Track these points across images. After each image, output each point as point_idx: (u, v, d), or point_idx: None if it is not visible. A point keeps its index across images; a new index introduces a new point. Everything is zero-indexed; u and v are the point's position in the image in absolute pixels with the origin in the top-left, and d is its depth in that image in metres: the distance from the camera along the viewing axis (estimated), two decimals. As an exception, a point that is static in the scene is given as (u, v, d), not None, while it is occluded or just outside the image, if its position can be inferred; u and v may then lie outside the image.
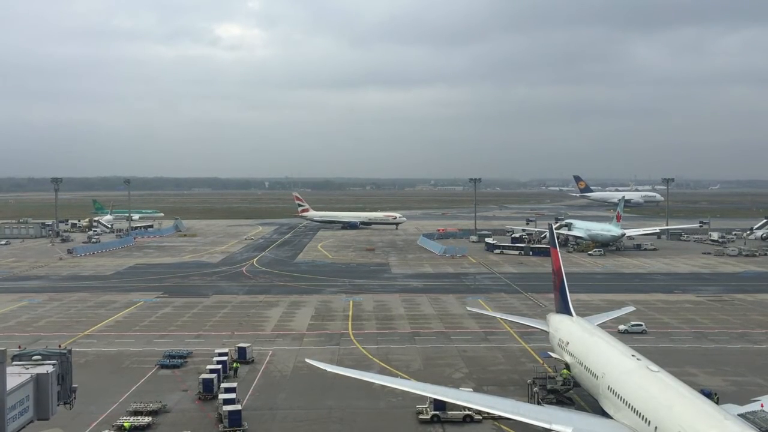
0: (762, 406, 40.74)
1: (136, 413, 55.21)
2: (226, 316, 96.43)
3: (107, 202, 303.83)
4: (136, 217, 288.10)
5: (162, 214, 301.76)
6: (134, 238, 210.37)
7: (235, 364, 68.99)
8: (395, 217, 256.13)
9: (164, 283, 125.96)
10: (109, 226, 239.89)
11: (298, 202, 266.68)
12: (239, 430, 52.24)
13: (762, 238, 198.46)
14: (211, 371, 63.26)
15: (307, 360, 54.71)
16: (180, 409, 58.08)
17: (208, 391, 60.12)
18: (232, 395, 56.13)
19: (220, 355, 69.04)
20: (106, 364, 71.69)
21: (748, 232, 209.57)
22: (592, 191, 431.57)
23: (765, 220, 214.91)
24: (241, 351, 72.11)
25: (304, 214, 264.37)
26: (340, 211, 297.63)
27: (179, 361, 71.27)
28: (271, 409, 57.65)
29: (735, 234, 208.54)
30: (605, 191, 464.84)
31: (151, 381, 65.83)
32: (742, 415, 38.22)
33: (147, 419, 54.01)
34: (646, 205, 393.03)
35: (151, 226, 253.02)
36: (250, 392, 61.92)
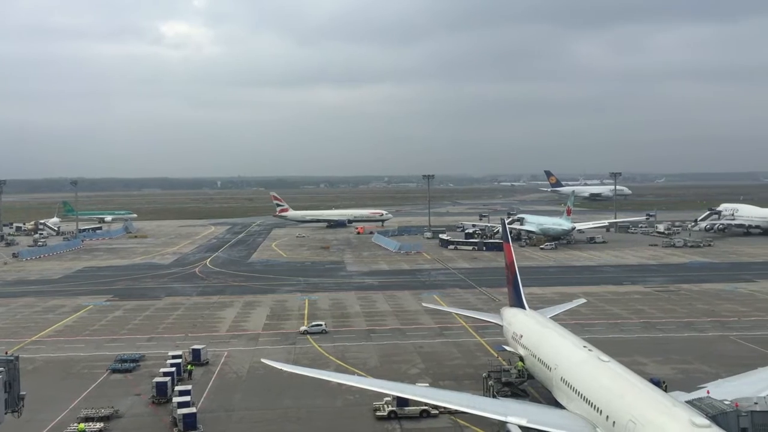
0: (708, 392, 41.91)
1: (87, 419, 53.99)
2: (179, 318, 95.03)
3: (57, 206, 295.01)
4: (108, 218, 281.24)
5: (135, 215, 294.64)
6: (82, 241, 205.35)
7: (189, 367, 68.06)
8: (381, 214, 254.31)
9: (114, 286, 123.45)
10: (56, 228, 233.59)
11: (276, 202, 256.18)
12: (194, 433, 51.56)
13: (706, 230, 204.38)
14: (165, 374, 62.22)
15: (263, 360, 54.30)
16: (133, 413, 57.05)
17: (161, 394, 59.13)
18: (187, 398, 55.33)
19: (174, 357, 68.09)
20: (56, 370, 69.97)
21: (693, 223, 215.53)
22: (562, 186, 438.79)
23: (708, 212, 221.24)
24: (196, 353, 71.18)
25: (284, 214, 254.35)
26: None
27: (131, 365, 70.00)
28: (227, 411, 57.08)
29: (679, 226, 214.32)
30: (576, 186, 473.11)
31: (102, 386, 64.47)
32: (689, 402, 39.27)
33: (99, 425, 52.91)
34: (616, 198, 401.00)
35: (100, 228, 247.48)
36: (205, 394, 61.17)
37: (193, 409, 53.30)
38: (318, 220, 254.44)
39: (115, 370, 68.69)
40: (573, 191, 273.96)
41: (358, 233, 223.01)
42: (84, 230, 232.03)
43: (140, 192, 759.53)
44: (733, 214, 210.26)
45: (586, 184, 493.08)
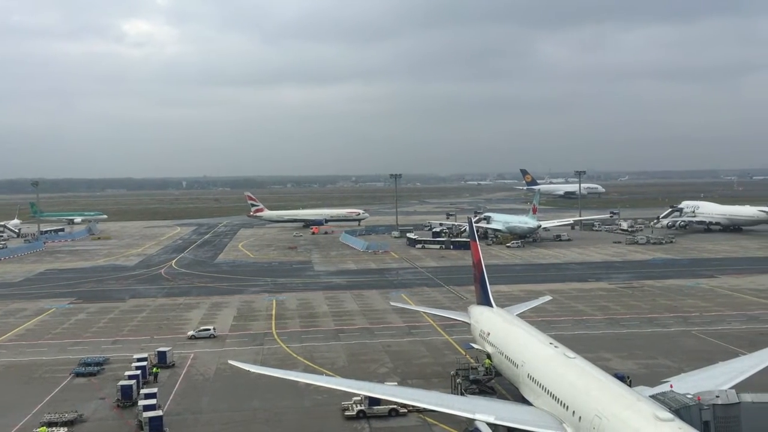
0: (671, 386, 42.66)
1: (50, 424, 52.94)
2: (144, 320, 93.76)
3: (18, 207, 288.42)
4: (78, 219, 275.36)
5: (105, 216, 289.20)
6: (44, 243, 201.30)
7: (155, 369, 67.16)
8: (358, 213, 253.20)
9: (77, 289, 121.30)
10: (17, 230, 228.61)
11: (251, 202, 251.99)
12: (161, 436, 50.93)
13: (668, 227, 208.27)
14: (130, 377, 61.29)
15: (230, 361, 53.77)
16: (97, 417, 56.11)
17: (126, 397, 58.28)
18: (153, 401, 54.59)
19: (139, 360, 67.07)
20: (17, 374, 68.50)
21: (655, 221, 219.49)
22: (537, 184, 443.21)
23: (670, 209, 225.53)
24: (161, 355, 70.27)
25: (259, 214, 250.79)
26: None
27: (95, 368, 68.85)
28: (194, 413, 56.48)
29: (642, 223, 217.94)
30: (550, 184, 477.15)
31: (66, 390, 63.31)
32: (653, 396, 39.95)
33: (62, 430, 51.96)
34: (590, 196, 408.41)
35: (62, 230, 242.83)
36: (171, 397, 60.44)
37: (159, 412, 52.59)
38: (295, 220, 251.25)
39: (78, 374, 67.47)
40: (538, 190, 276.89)
41: (313, 233, 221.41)
42: (46, 232, 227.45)
43: (104, 193, 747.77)
44: (694, 212, 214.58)
45: (551, 183, 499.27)
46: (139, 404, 54.88)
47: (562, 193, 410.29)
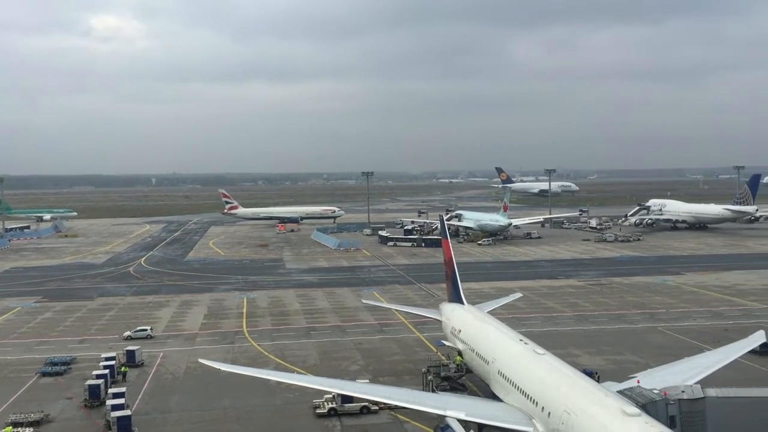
0: (638, 382, 43.30)
1: (15, 424, 52.02)
2: (113, 319, 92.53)
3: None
4: (47, 216, 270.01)
5: (75, 213, 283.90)
6: (9, 240, 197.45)
7: (123, 369, 66.37)
8: (333, 211, 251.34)
9: (44, 287, 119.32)
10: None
11: (225, 199, 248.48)
12: (129, 436, 50.36)
13: (635, 225, 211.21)
14: (98, 377, 60.51)
15: (201, 360, 53.35)
16: (64, 418, 55.29)
17: (94, 397, 57.46)
18: (121, 400, 53.98)
19: (107, 359, 66.25)
20: (-19, 375, 67.20)
21: (623, 219, 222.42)
22: (513, 182, 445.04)
23: (638, 207, 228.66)
24: (130, 354, 69.48)
25: (233, 211, 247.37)
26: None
27: (62, 367, 67.82)
28: (164, 413, 55.95)
29: (609, 221, 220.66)
30: (525, 182, 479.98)
31: (31, 390, 62.26)
32: (620, 392, 40.53)
33: (28, 430, 51.08)
34: (564, 194, 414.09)
35: (28, 227, 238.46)
36: (140, 396, 59.79)
37: (127, 412, 51.98)
38: (271, 218, 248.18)
39: (45, 374, 66.37)
40: (509, 188, 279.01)
41: (280, 230, 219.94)
42: (11, 229, 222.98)
43: (71, 190, 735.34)
44: (661, 210, 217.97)
45: (522, 181, 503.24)
46: (107, 404, 54.15)
47: (536, 191, 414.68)
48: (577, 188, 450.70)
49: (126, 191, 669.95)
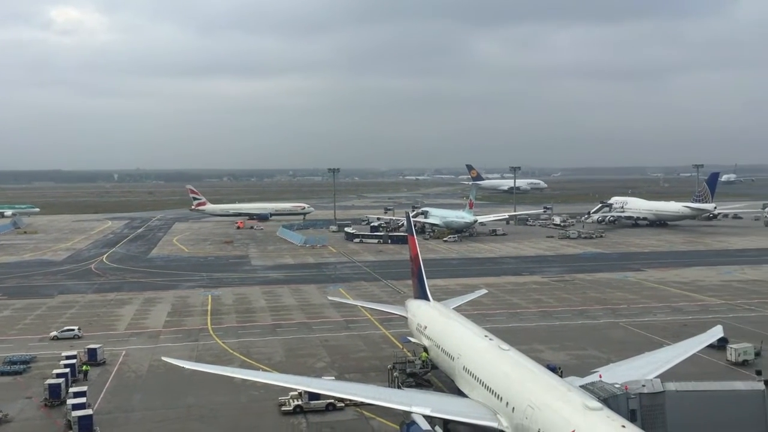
0: (600, 376, 44.02)
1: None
2: (73, 317, 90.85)
3: None
4: (9, 212, 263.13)
5: (38, 209, 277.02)
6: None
7: (84, 367, 65.29)
8: (303, 207, 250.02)
9: (2, 284, 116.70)
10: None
11: (193, 195, 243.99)
12: (91, 435, 49.58)
13: (598, 222, 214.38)
14: (58, 375, 59.50)
15: (164, 358, 52.78)
16: (24, 417, 54.21)
17: (55, 396, 56.50)
18: (83, 399, 53.14)
19: (68, 357, 65.23)
20: (-64, 375, 65.47)
21: (586, 216, 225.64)
22: (483, 179, 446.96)
23: (600, 205, 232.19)
24: (92, 352, 68.38)
25: (201, 208, 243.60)
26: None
27: (21, 366, 66.54)
28: (126, 412, 55.20)
29: (570, 218, 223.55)
30: (494, 180, 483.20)
31: (-11, 390, 60.89)
32: (583, 386, 41.14)
33: (-14, 432, 50.03)
34: (532, 192, 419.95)
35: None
36: (102, 395, 58.89)
37: (89, 411, 51.16)
38: (240, 214, 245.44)
39: (3, 373, 64.99)
40: (475, 185, 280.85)
41: (238, 227, 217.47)
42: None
43: (31, 185, 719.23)
44: (623, 207, 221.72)
45: (488, 178, 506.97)
46: (67, 403, 53.26)
47: (506, 188, 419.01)
48: (546, 186, 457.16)
49: (87, 187, 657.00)
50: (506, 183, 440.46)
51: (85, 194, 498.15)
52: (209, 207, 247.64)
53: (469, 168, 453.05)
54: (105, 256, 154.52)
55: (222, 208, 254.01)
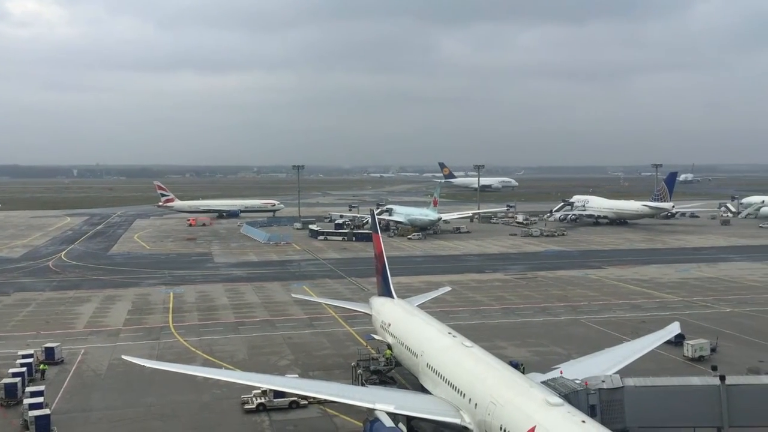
0: (561, 372, 44.62)
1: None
2: (30, 315, 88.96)
3: None
4: None
5: (1, 205, 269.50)
6: None
7: (42, 366, 63.92)
8: (273, 204, 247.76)
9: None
10: None
11: (160, 191, 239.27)
12: (48, 436, 48.60)
13: (560, 220, 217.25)
14: (14, 375, 58.09)
15: (124, 356, 51.94)
16: (-22, 419, 52.91)
17: (11, 396, 55.22)
18: (40, 399, 51.99)
19: (24, 356, 63.72)
20: None
21: (548, 214, 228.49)
22: (455, 177, 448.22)
23: (562, 203, 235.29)
24: (49, 351, 66.92)
25: (170, 204, 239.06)
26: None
27: (-24, 366, 64.82)
28: (84, 411, 54.19)
29: (534, 216, 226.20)
30: (467, 177, 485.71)
31: (-59, 391, 59.17)
32: (544, 382, 41.67)
33: (-63, 433, 48.68)
34: (503, 189, 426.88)
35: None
36: (60, 395, 57.72)
37: (46, 411, 50.13)
38: (210, 211, 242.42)
39: (-44, 373, 63.32)
40: (439, 183, 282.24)
41: (190, 225, 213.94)
42: None
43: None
44: (584, 205, 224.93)
45: (453, 176, 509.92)
46: (24, 403, 51.99)
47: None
48: (517, 184, 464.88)
49: (46, 182, 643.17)
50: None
51: (43, 190, 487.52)
52: (177, 203, 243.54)
53: (442, 166, 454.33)
54: (63, 253, 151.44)
55: (190, 205, 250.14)
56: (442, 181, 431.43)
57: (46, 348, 67.34)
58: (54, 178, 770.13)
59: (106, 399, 56.94)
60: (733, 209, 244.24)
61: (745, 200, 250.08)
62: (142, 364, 49.05)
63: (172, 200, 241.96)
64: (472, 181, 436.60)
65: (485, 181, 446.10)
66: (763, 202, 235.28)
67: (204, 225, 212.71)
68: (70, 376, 63.09)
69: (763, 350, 69.48)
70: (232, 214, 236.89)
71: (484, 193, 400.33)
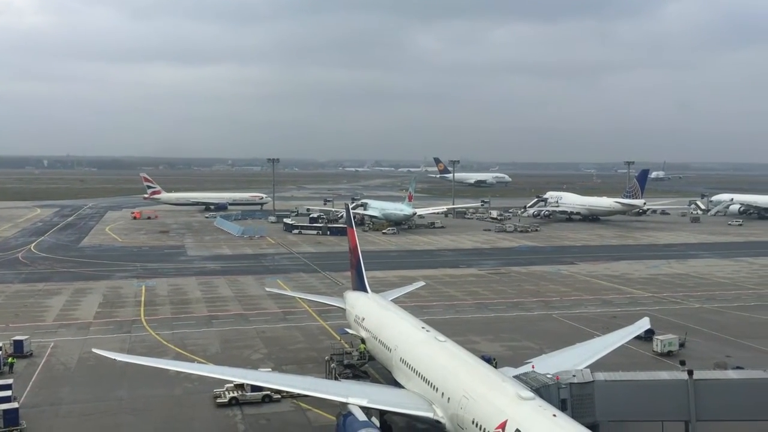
0: (533, 367, 45.09)
1: None
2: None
3: None
4: None
5: None
6: None
7: (10, 359, 62.92)
8: (261, 198, 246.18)
9: None
10: None
11: (147, 183, 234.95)
12: (16, 429, 47.86)
13: (534, 216, 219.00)
14: (-18, 369, 57.31)
15: (94, 350, 51.29)
16: (-57, 413, 51.89)
17: (-22, 390, 54.32)
18: (8, 393, 51.21)
19: (-7, 350, 62.78)
20: None
21: (522, 210, 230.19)
22: (450, 173, 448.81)
23: (536, 199, 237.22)
24: (18, 344, 65.92)
25: (156, 196, 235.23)
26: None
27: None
28: (54, 405, 53.53)
29: (511, 212, 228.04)
30: (461, 173, 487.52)
31: None
32: (516, 377, 42.07)
33: None
34: (498, 185, 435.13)
35: None
36: (29, 388, 56.91)
37: (14, 405, 49.47)
38: (197, 203, 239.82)
39: None
40: (414, 177, 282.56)
41: (135, 218, 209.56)
42: None
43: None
44: (557, 202, 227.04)
45: (427, 171, 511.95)
46: (-8, 397, 51.33)
47: (473, 181, 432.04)
48: (510, 179, 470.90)
49: (15, 173, 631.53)
50: (473, 176, 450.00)
51: (12, 180, 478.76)
52: (164, 196, 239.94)
53: (437, 161, 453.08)
54: (33, 244, 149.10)
55: (178, 197, 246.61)
56: (446, 176, 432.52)
57: (15, 341, 66.31)
58: (23, 168, 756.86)
59: (76, 393, 56.30)
60: (702, 207, 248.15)
61: (714, 198, 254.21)
62: (113, 357, 48.50)
63: (158, 192, 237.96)
64: (466, 177, 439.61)
65: (479, 176, 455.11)
66: (731, 199, 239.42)
67: (149, 218, 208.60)
68: (39, 370, 62.26)
69: (730, 345, 70.88)
70: (221, 207, 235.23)
71: (481, 187, 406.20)
